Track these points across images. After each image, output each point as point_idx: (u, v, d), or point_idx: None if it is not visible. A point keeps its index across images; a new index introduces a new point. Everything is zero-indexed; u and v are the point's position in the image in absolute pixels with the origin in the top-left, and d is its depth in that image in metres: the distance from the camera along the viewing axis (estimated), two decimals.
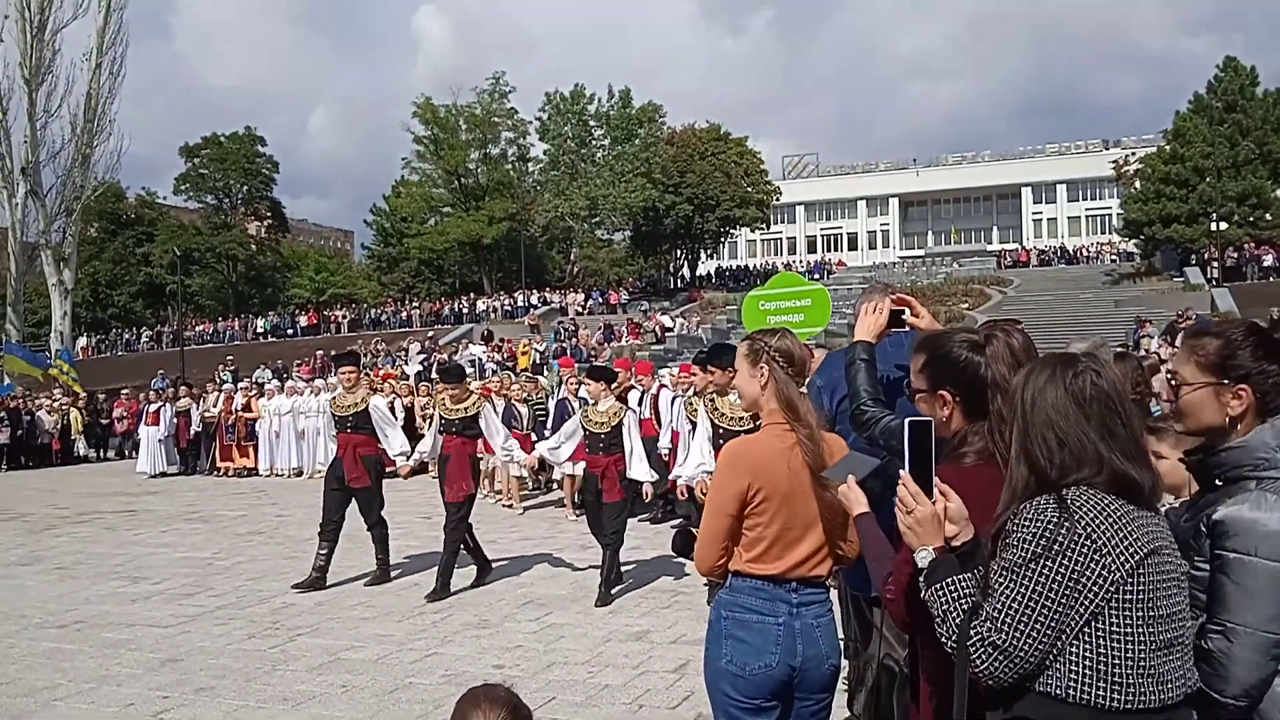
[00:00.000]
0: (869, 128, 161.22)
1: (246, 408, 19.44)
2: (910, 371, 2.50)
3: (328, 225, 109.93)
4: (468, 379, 8.93)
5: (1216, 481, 2.28)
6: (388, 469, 8.95)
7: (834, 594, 4.13)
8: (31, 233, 40.23)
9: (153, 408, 19.96)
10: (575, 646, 6.38)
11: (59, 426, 23.55)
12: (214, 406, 19.80)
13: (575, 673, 5.86)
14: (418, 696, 5.48)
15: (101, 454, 24.33)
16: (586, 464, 8.19)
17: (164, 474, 19.13)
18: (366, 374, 22.25)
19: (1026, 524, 1.84)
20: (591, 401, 8.19)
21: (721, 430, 6.67)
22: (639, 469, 7.80)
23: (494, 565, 8.81)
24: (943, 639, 1.93)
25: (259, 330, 48.11)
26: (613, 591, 7.63)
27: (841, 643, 3.91)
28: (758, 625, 2.80)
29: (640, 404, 12.06)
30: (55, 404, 24.12)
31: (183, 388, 21.74)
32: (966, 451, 2.31)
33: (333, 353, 33.34)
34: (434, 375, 21.77)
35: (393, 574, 8.70)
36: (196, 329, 49.76)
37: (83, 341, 47.55)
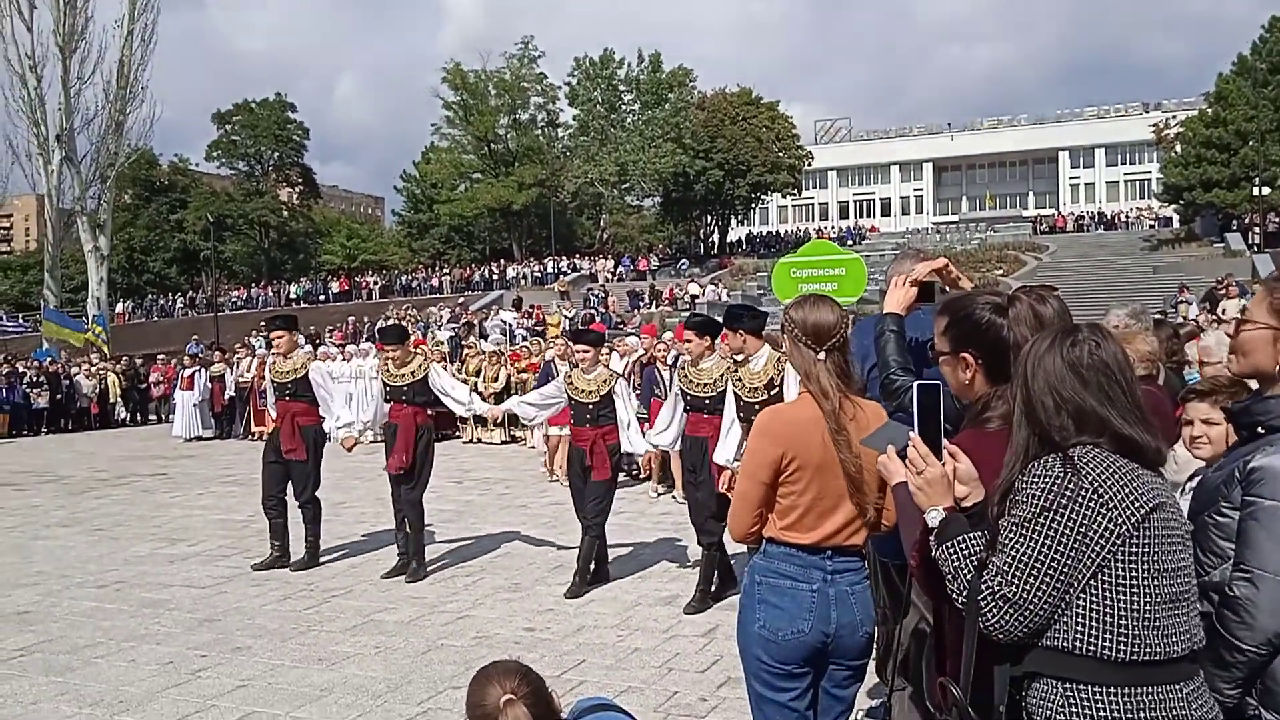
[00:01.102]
0: (903, 91, 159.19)
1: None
2: (935, 334, 2.48)
3: (358, 191, 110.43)
4: (409, 340, 8.08)
5: (1259, 430, 2.29)
6: (340, 442, 8.17)
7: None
8: (67, 199, 40.64)
9: (187, 372, 20.22)
10: (605, 610, 6.42)
11: (97, 391, 23.92)
12: (248, 371, 20.02)
13: (605, 636, 5.91)
14: (450, 658, 5.55)
15: (139, 418, 24.72)
16: (572, 436, 7.35)
17: (199, 438, 19.39)
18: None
19: (1034, 480, 1.88)
20: (573, 366, 7.37)
21: (689, 397, 6.61)
22: (635, 441, 7.06)
23: (522, 532, 8.88)
24: (953, 595, 1.96)
25: (291, 296, 48.45)
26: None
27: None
28: (791, 591, 2.81)
29: (671, 367, 12.01)
30: (94, 368, 24.49)
31: (216, 353, 21.99)
32: (990, 416, 2.31)
33: (372, 321, 33.54)
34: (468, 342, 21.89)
35: (426, 536, 8.77)
36: (230, 295, 50.22)
37: (119, 307, 48.13)
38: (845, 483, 2.81)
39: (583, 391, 7.03)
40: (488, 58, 55.68)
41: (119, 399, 24.22)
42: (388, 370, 7.69)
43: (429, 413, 7.76)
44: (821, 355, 2.87)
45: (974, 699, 1.93)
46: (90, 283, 41.41)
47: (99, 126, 40.92)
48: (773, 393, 5.83)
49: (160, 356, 26.69)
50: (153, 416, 24.72)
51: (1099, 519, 1.83)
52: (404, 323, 33.50)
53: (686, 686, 5.00)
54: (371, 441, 11.40)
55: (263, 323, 34.78)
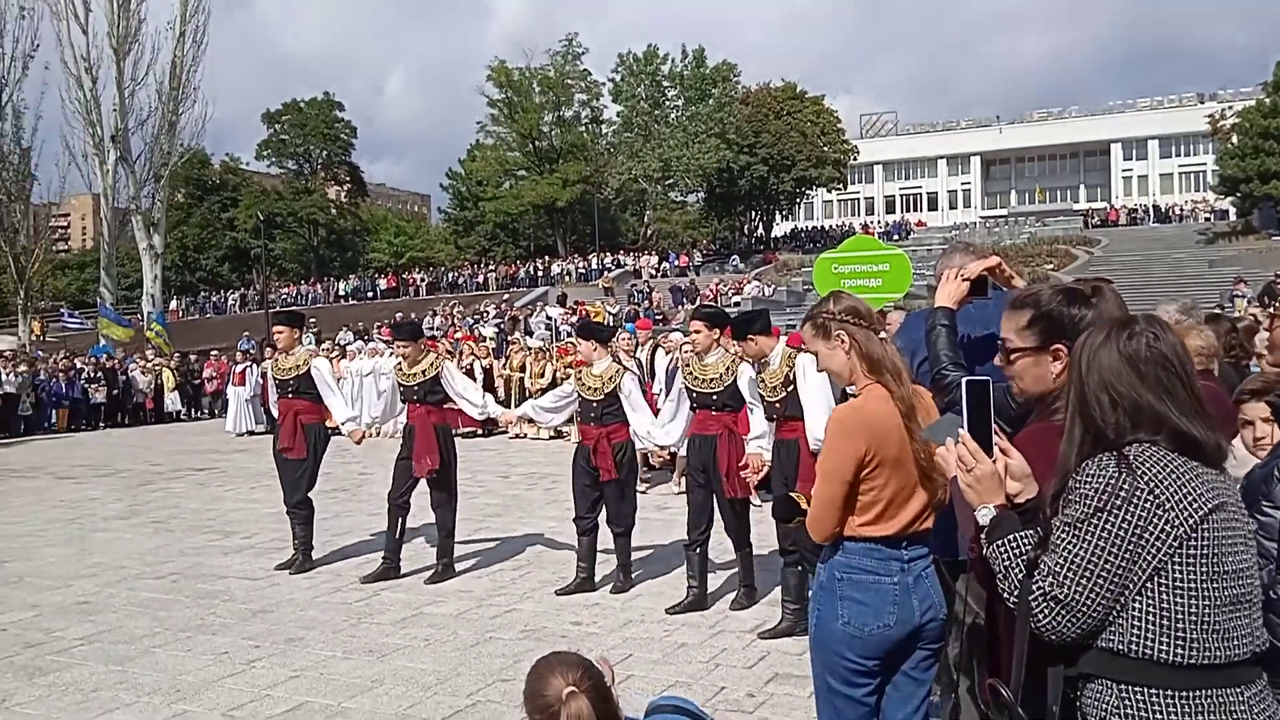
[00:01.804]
0: (951, 84, 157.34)
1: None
2: (1008, 331, 2.43)
3: (405, 189, 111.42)
4: (424, 337, 7.75)
5: None
6: (348, 435, 8.05)
7: None
8: (122, 199, 41.43)
9: (239, 368, 20.55)
10: (651, 605, 6.43)
11: (152, 386, 24.42)
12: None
13: (652, 631, 5.92)
14: (498, 651, 5.60)
15: (193, 413, 25.18)
16: (580, 435, 7.06)
17: (251, 432, 19.70)
18: (435, 338, 22.45)
19: (1088, 480, 1.83)
20: (586, 363, 7.07)
21: (695, 394, 6.33)
22: (646, 434, 6.81)
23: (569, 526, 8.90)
24: (1004, 594, 1.93)
25: (340, 293, 49.08)
26: (634, 576, 6.96)
27: None
28: (874, 586, 2.81)
29: None
30: (149, 364, 25.00)
31: (268, 349, 22.32)
32: (1058, 408, 2.27)
33: (419, 317, 33.84)
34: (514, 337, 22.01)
35: (474, 530, 8.84)
36: (280, 292, 50.95)
37: (173, 305, 49.04)
38: (916, 470, 2.82)
39: (589, 388, 6.80)
40: (532, 55, 55.84)
41: (173, 394, 24.71)
42: (400, 369, 7.54)
43: (444, 410, 7.55)
44: (883, 335, 2.88)
45: (1026, 699, 1.90)
46: (145, 280, 42.20)
47: (152, 127, 41.67)
48: (790, 389, 5.63)
49: (213, 353, 27.17)
50: (205, 412, 25.17)
51: (1155, 521, 1.78)
52: (451, 319, 33.83)
53: (734, 682, 5.00)
54: (390, 436, 11.44)
55: (312, 320, 35.34)
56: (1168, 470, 1.80)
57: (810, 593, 3.23)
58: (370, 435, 8.25)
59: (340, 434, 8.34)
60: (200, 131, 43.85)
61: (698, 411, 6.38)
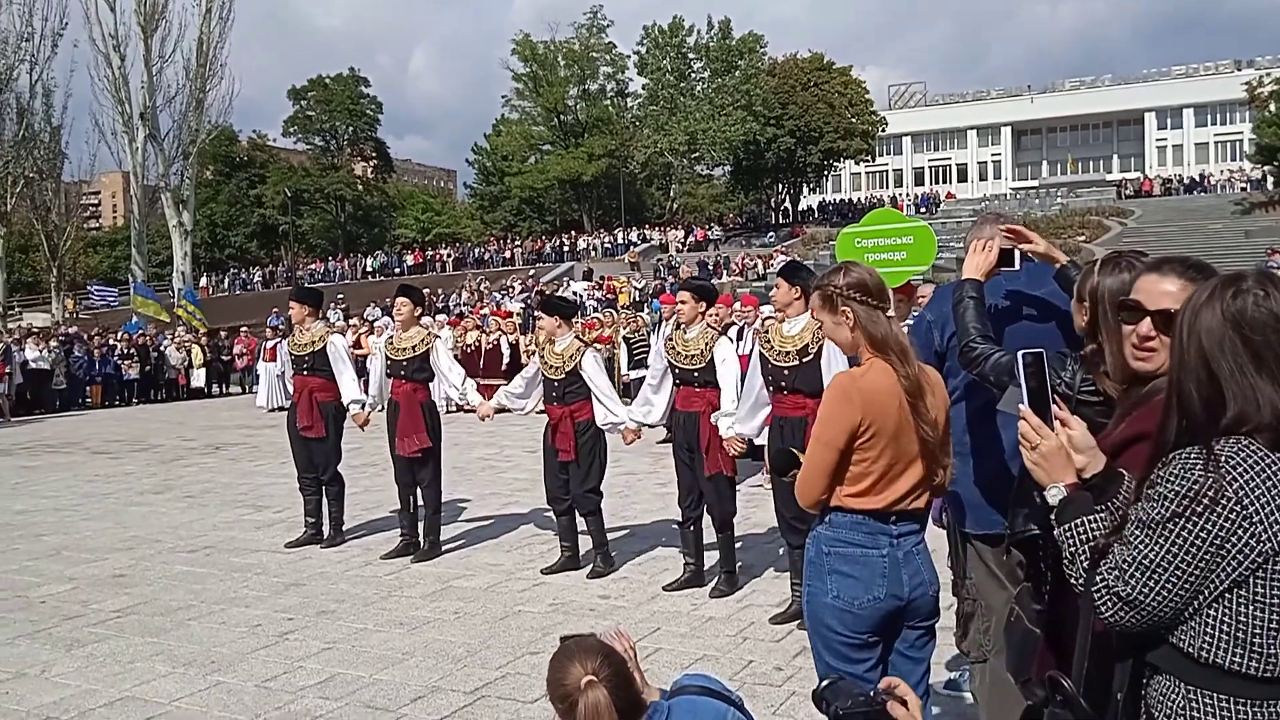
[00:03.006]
0: (982, 53, 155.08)
1: (357, 344, 20.01)
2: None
3: (431, 165, 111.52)
4: (417, 310, 7.48)
5: None
6: (351, 418, 7.78)
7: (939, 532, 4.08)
8: (151, 176, 41.85)
9: (269, 344, 20.71)
10: (679, 578, 6.44)
11: (185, 362, 24.70)
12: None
13: (680, 604, 5.94)
14: (527, 624, 5.63)
15: (224, 389, 25.44)
16: (547, 414, 6.82)
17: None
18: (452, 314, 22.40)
19: (1171, 479, 1.68)
20: (547, 340, 6.83)
21: (678, 370, 6.19)
22: (609, 412, 6.54)
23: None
24: (1070, 580, 1.86)
25: (367, 269, 49.28)
26: (613, 554, 6.84)
27: (953, 581, 3.87)
28: (862, 559, 2.78)
29: (740, 339, 11.95)
30: (180, 341, 25.27)
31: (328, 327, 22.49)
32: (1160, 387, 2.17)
33: (446, 293, 33.89)
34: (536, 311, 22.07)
35: (503, 505, 8.90)
36: (308, 268, 51.26)
37: (203, 281, 49.48)
38: (918, 448, 2.79)
39: (550, 366, 6.63)
40: (557, 29, 55.79)
41: (203, 369, 24.98)
42: (390, 343, 7.38)
43: (430, 388, 7.39)
44: (891, 313, 2.84)
45: (1088, 689, 1.84)
46: (175, 257, 42.65)
47: (180, 104, 42.03)
48: (805, 359, 5.44)
49: (243, 329, 27.41)
50: (236, 388, 25.43)
51: (1238, 534, 1.62)
52: (477, 293, 33.91)
53: (762, 656, 5.01)
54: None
55: (340, 295, 35.57)
56: (1261, 475, 1.63)
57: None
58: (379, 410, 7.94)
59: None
60: (227, 108, 44.28)
61: (680, 388, 6.23)
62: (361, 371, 9.18)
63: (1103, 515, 1.83)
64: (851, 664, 2.79)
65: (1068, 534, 1.85)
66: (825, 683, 1.96)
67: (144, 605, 6.20)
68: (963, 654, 4.04)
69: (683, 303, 6.22)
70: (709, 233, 47.83)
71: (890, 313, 2.86)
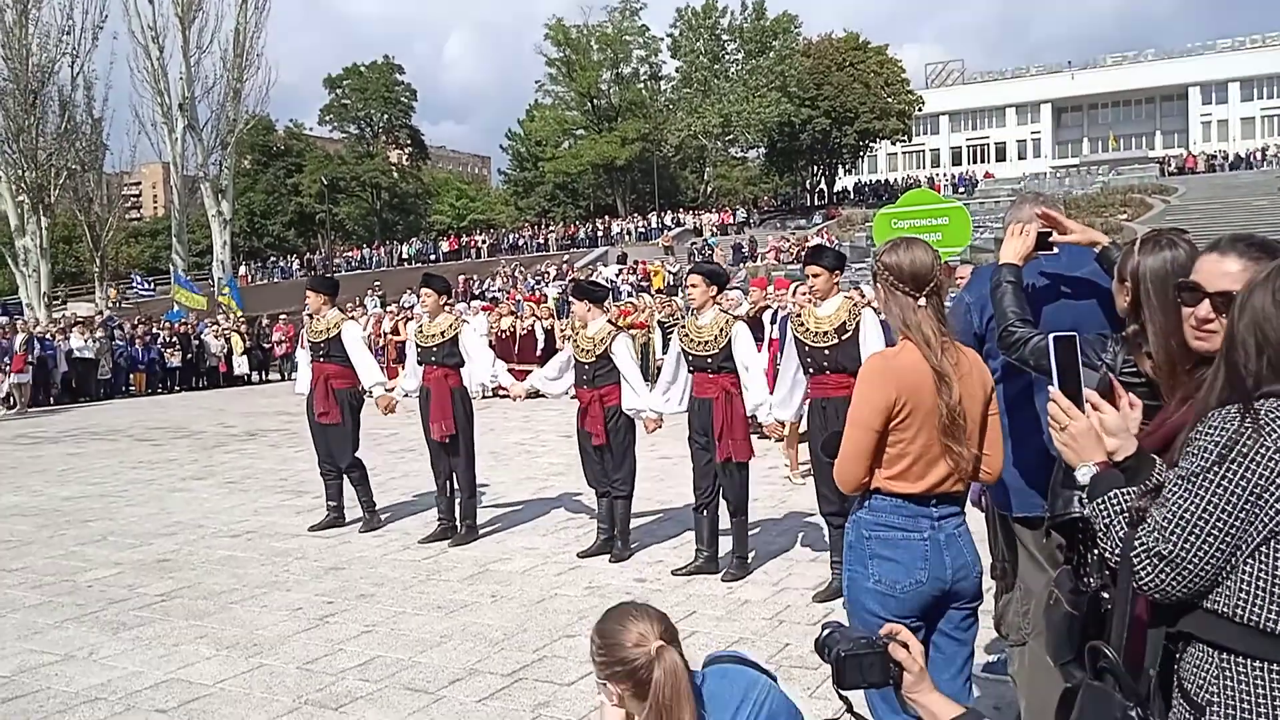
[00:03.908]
0: (1021, 30, 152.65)
1: (395, 331, 20.20)
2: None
3: (465, 151, 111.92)
4: (443, 298, 7.48)
5: None
6: (375, 402, 7.81)
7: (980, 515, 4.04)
8: (190, 166, 42.33)
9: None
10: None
11: (225, 350, 25.04)
12: (364, 330, 20.64)
13: (715, 588, 5.93)
14: (563, 607, 5.66)
15: (264, 376, 25.76)
16: (577, 398, 6.87)
17: None
18: (499, 298, 22.59)
19: (1209, 432, 1.71)
20: (580, 325, 6.86)
21: (691, 356, 6.16)
22: (635, 398, 6.56)
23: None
24: (1106, 553, 1.84)
25: (403, 256, 49.62)
26: (632, 545, 6.79)
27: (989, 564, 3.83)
28: (903, 543, 2.75)
29: (774, 322, 11.90)
30: (221, 329, 25.62)
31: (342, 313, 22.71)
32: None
33: (481, 279, 34.08)
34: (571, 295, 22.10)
35: (539, 489, 8.93)
36: (345, 255, 51.69)
37: (242, 270, 50.06)
38: (940, 431, 2.74)
39: (582, 350, 6.68)
40: (590, 12, 55.59)
41: (242, 357, 25.31)
42: (420, 329, 7.45)
43: (460, 373, 7.41)
44: (921, 302, 2.79)
45: (1128, 662, 1.83)
46: (214, 246, 43.16)
47: (218, 94, 42.45)
48: (844, 337, 5.45)
49: (281, 316, 27.73)
50: (275, 375, 25.73)
51: (1277, 480, 1.64)
52: (511, 279, 34.03)
53: (798, 639, 4.99)
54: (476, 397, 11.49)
55: (377, 283, 35.85)
56: None
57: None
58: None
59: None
60: (264, 98, 44.61)
61: (695, 374, 6.21)
62: (403, 358, 9.29)
63: (1135, 490, 1.83)
64: None
65: (1100, 507, 1.85)
66: (826, 631, 1.98)
67: (188, 589, 6.30)
68: (1002, 637, 4.01)
69: (693, 287, 6.19)
70: (733, 216, 47.44)
71: (922, 302, 2.81)
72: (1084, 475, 1.91)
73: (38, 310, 35.33)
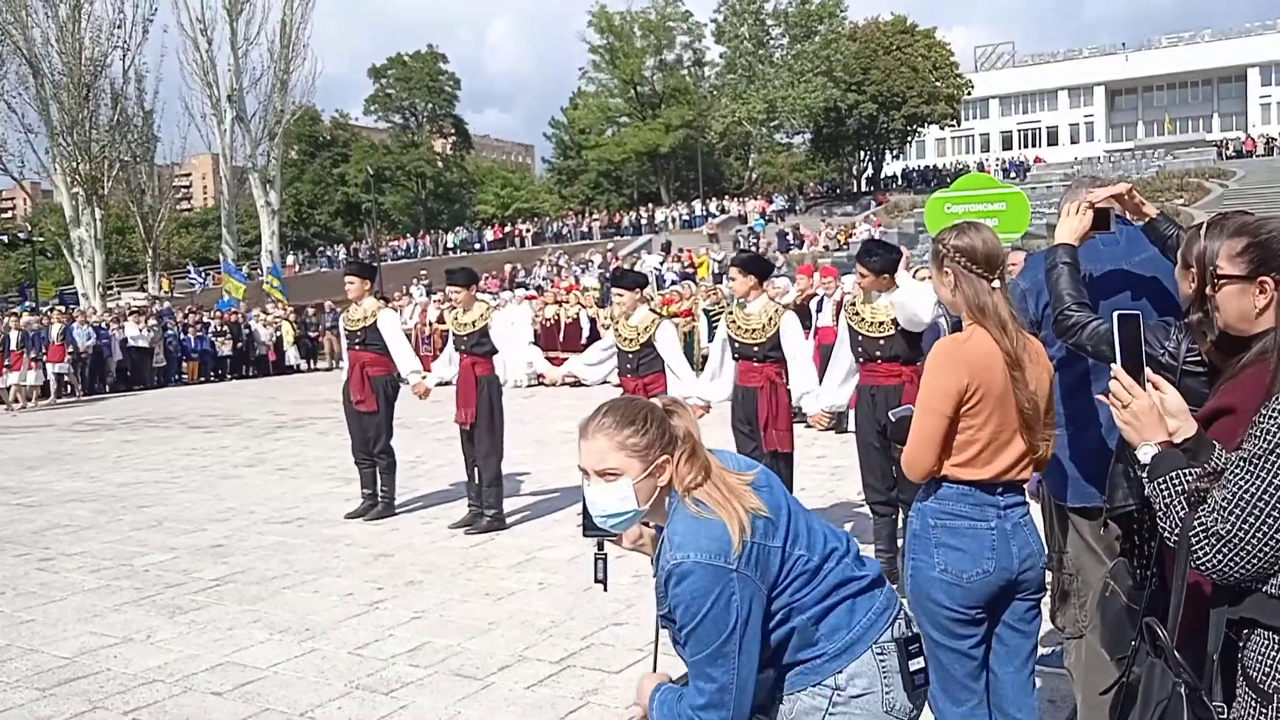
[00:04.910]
0: (1074, 10, 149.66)
1: (440, 320, 20.33)
2: (1220, 257, 2.22)
3: (509, 140, 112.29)
4: (474, 286, 7.63)
5: None
6: (412, 388, 7.89)
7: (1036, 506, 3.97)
8: (239, 157, 42.94)
9: None
10: None
11: (274, 339, 25.40)
12: (409, 319, 20.80)
13: None
14: (610, 595, 5.65)
15: (311, 364, 26.09)
16: (621, 386, 6.94)
17: None
18: (545, 287, 22.65)
19: (1273, 415, 1.70)
20: (622, 314, 6.87)
21: (738, 344, 6.11)
22: (681, 386, 6.61)
23: None
24: (1164, 533, 1.82)
25: (448, 245, 49.93)
26: None
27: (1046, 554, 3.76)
28: (970, 532, 2.70)
29: (820, 310, 11.81)
30: (269, 318, 25.98)
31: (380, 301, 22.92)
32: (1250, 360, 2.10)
33: (526, 268, 34.17)
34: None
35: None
36: (390, 245, 52.12)
37: (289, 259, 50.72)
38: (1019, 420, 2.70)
39: (625, 339, 6.71)
40: None
41: (292, 346, 25.67)
42: (454, 318, 7.56)
43: (490, 361, 7.50)
44: (995, 284, 2.74)
45: (1183, 646, 1.80)
46: (263, 237, 43.78)
47: (265, 86, 42.99)
48: (900, 328, 5.44)
49: (329, 305, 28.03)
50: (323, 363, 26.06)
51: None
52: (555, 267, 34.11)
53: None
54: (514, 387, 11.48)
55: (423, 271, 36.12)
56: None
57: (903, 542, 3.14)
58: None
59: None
60: (310, 89, 45.33)
61: (739, 362, 6.16)
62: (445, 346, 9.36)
63: (1195, 472, 1.81)
64: (957, 639, 2.73)
65: (1161, 487, 1.83)
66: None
67: (241, 574, 6.40)
68: (1058, 629, 3.94)
69: (733, 280, 6.19)
70: (770, 202, 46.99)
71: (995, 284, 2.76)
72: (1145, 454, 1.89)
73: (93, 300, 36.07)
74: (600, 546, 2.43)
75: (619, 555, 6.75)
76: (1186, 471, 1.81)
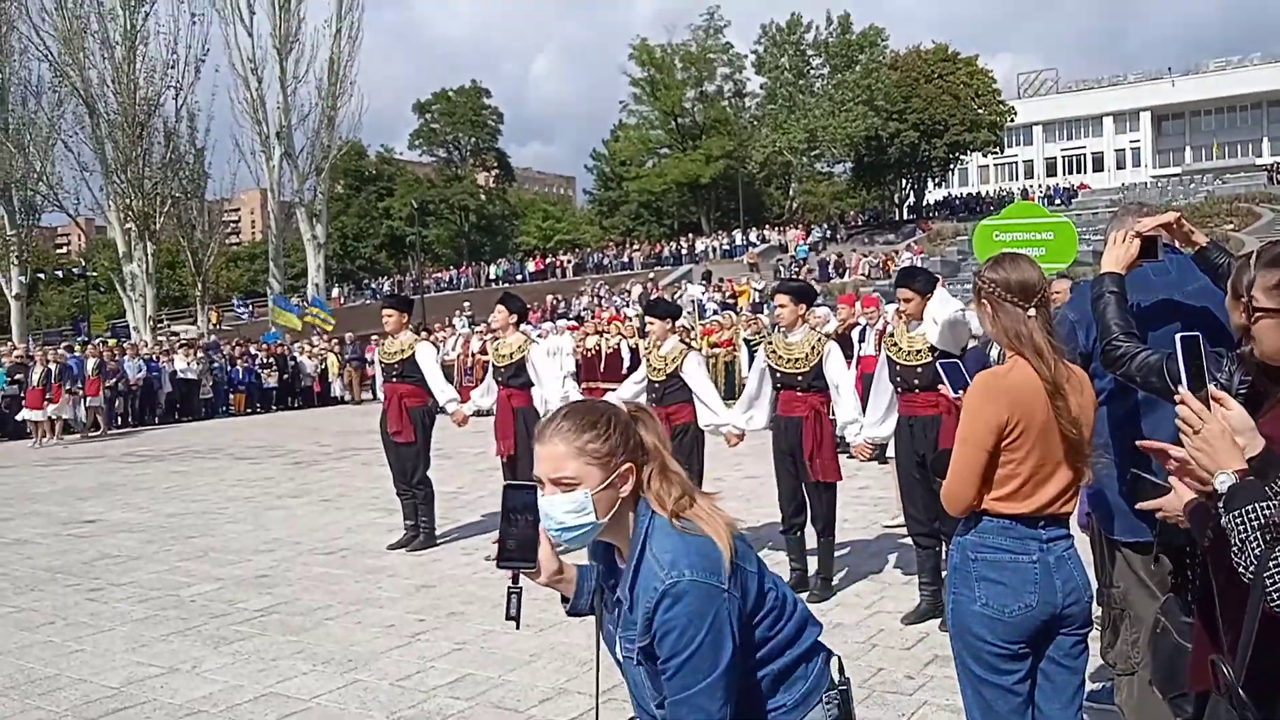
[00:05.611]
0: (1118, 36, 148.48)
1: (483, 351, 20.48)
2: (1256, 288, 2.16)
3: (551, 172, 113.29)
4: (514, 317, 7.62)
5: None
6: (451, 417, 8.07)
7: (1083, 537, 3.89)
8: (287, 192, 43.70)
9: None
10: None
11: (319, 370, 25.72)
12: (453, 350, 20.97)
13: None
14: None
15: (356, 396, 26.36)
16: None
17: None
18: (585, 318, 22.67)
19: None
20: (655, 344, 6.92)
21: (779, 374, 6.06)
22: (712, 415, 6.64)
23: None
24: (1239, 569, 1.74)
25: (491, 277, 50.32)
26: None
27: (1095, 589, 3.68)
28: (1011, 565, 2.66)
29: (863, 340, 11.72)
30: (314, 350, 26.32)
31: (424, 333, 23.14)
32: None
33: (568, 300, 34.36)
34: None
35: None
36: (434, 277, 52.66)
37: (335, 292, 51.36)
38: (1064, 449, 2.66)
39: (654, 369, 6.78)
40: (674, 31, 56.00)
41: (337, 378, 25.96)
42: (496, 349, 7.63)
43: (528, 393, 7.50)
44: (1031, 312, 2.71)
45: (1251, 685, 1.73)
46: (309, 269, 44.44)
47: (313, 122, 43.75)
48: (934, 355, 5.34)
49: (374, 337, 28.32)
50: (366, 394, 26.28)
51: None
52: (596, 298, 34.23)
53: (891, 663, 4.88)
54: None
55: (465, 303, 36.44)
56: None
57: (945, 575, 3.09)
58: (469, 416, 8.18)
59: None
60: (357, 124, 46.06)
61: (782, 392, 6.12)
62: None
63: (1275, 505, 1.72)
64: (1000, 674, 2.67)
65: (1238, 520, 1.74)
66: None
67: (285, 605, 6.44)
68: (1109, 665, 3.85)
69: (781, 307, 6.13)
70: (808, 233, 46.77)
71: (1031, 313, 2.72)
72: (1223, 484, 1.79)
73: (144, 333, 36.76)
74: (515, 580, 2.12)
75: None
76: (1263, 506, 1.73)
